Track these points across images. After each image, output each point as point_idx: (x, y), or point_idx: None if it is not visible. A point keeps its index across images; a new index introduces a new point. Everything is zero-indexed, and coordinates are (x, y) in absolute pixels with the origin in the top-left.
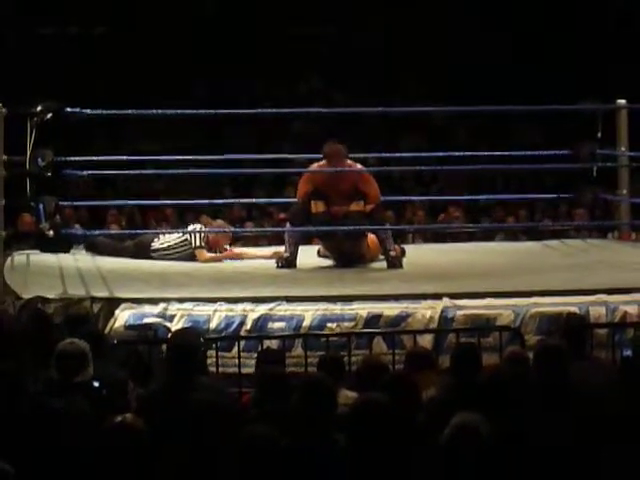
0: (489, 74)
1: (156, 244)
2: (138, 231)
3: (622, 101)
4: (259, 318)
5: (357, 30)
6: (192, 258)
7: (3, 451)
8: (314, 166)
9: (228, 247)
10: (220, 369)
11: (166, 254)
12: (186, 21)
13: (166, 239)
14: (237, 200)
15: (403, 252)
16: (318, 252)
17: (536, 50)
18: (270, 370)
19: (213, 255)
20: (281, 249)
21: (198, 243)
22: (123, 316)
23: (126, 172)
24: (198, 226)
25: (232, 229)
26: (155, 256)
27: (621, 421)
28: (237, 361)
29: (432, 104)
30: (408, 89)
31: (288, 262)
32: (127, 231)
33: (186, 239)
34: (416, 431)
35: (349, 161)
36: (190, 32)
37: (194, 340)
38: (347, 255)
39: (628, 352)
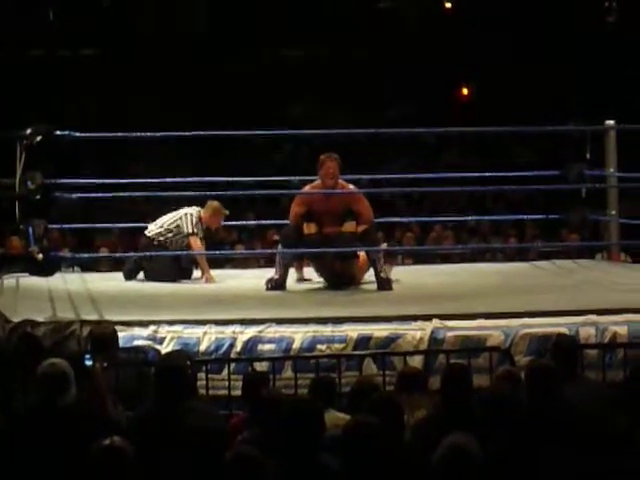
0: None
1: (151, 227)
2: (127, 254)
3: (611, 122)
4: (249, 340)
5: (348, 51)
6: (186, 247)
7: None
8: (307, 187)
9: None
10: (210, 391)
11: (160, 239)
12: (177, 42)
13: (160, 221)
14: (229, 223)
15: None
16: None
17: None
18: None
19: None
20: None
21: (190, 230)
22: None
23: (115, 194)
24: (191, 210)
25: (227, 211)
26: (153, 243)
27: (614, 439)
28: (227, 383)
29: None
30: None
31: (278, 284)
32: (117, 254)
33: (178, 225)
34: (407, 452)
35: (341, 181)
36: (181, 53)
37: (182, 363)
38: (338, 276)
39: None
